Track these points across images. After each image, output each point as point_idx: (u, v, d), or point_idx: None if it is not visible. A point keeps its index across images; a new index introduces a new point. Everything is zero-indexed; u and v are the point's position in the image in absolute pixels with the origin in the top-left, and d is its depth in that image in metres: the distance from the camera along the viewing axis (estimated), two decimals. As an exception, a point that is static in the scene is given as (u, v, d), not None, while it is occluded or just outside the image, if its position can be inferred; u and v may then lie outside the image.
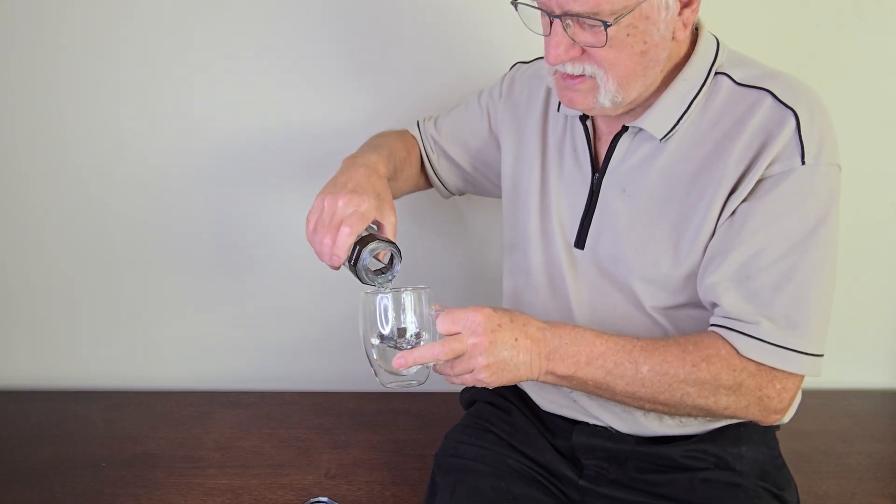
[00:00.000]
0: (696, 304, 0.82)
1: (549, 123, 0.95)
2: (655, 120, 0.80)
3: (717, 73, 0.80)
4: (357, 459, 1.13)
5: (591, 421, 0.90)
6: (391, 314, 0.74)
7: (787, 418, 0.84)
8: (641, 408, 0.78)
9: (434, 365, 0.74)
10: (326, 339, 1.42)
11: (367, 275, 0.78)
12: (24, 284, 1.39)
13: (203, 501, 1.03)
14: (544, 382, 0.77)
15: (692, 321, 0.83)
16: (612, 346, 0.75)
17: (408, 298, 0.74)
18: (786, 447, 0.89)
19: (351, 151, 0.97)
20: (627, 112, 0.82)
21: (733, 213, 0.76)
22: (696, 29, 0.82)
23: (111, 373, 1.43)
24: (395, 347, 0.74)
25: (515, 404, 0.99)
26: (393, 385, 0.77)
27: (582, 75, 0.76)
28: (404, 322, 0.74)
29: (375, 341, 0.75)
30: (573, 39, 0.73)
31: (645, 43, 0.73)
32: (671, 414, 0.79)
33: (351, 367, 1.42)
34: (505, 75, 1.05)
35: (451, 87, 1.29)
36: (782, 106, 0.75)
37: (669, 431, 0.86)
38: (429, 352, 0.71)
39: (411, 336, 0.75)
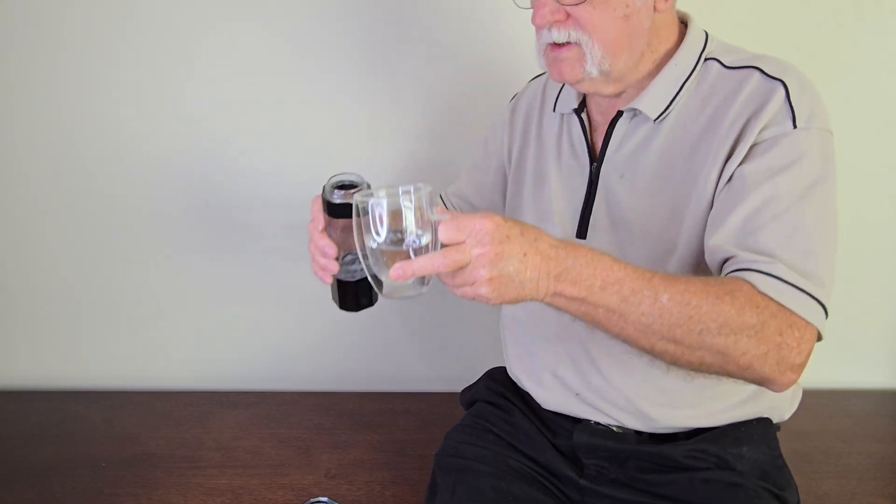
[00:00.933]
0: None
1: (545, 126, 0.97)
2: (650, 101, 0.82)
3: (706, 59, 0.83)
4: (357, 459, 1.13)
5: (594, 418, 0.89)
6: (387, 217, 0.66)
7: (788, 413, 0.85)
8: (651, 349, 0.70)
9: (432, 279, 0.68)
10: (326, 339, 1.42)
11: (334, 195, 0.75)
12: (24, 284, 1.39)
13: (203, 501, 1.03)
14: (549, 305, 0.69)
15: None
16: (631, 273, 0.68)
17: (405, 199, 0.66)
18: (786, 447, 0.89)
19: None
20: (619, 96, 0.85)
21: (730, 178, 0.76)
22: (685, 24, 0.86)
23: (111, 373, 1.43)
24: (393, 253, 0.66)
25: (516, 404, 0.99)
26: (394, 296, 0.70)
27: (568, 43, 0.78)
28: (402, 226, 0.66)
29: (372, 246, 0.67)
30: (558, 2, 0.77)
31: (627, 6, 0.77)
32: (680, 361, 0.71)
33: (351, 367, 1.42)
34: (504, 115, 1.06)
35: (460, 84, 1.29)
36: (771, 79, 0.77)
37: (672, 424, 0.86)
38: (429, 263, 0.64)
39: (411, 241, 0.66)
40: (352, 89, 1.30)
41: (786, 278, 0.70)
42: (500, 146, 1.04)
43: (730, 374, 0.72)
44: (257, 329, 1.42)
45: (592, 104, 0.91)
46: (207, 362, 1.43)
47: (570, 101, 0.92)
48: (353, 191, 0.80)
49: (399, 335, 1.41)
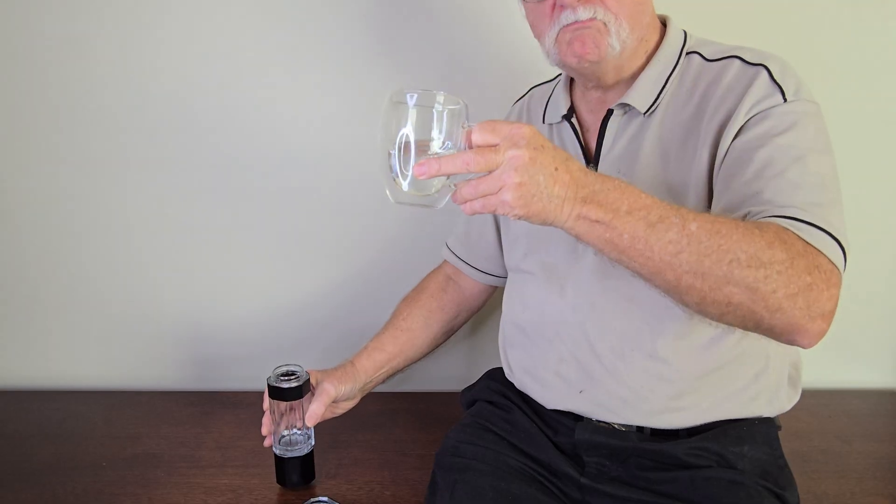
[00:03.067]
0: None
1: None
2: (638, 95, 0.86)
3: (688, 53, 0.87)
4: (357, 459, 1.13)
5: (596, 416, 0.89)
6: (417, 121, 0.64)
7: (788, 404, 0.88)
8: (677, 285, 0.67)
9: (454, 189, 0.65)
10: (326, 339, 1.42)
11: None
12: (24, 284, 1.39)
13: (203, 501, 1.03)
14: (571, 231, 0.67)
15: None
16: (658, 202, 0.67)
17: (438, 107, 0.64)
18: (785, 447, 0.89)
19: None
20: (609, 93, 0.88)
21: (725, 154, 0.77)
22: (664, 24, 0.89)
23: (111, 373, 1.43)
24: (415, 157, 0.65)
25: (516, 403, 0.99)
26: (405, 202, 0.68)
27: (593, 18, 0.80)
28: (431, 132, 0.64)
29: (393, 150, 0.65)
30: None
31: None
32: (707, 300, 0.67)
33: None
34: None
35: (461, 81, 1.29)
36: (751, 65, 0.80)
37: (674, 419, 0.86)
38: (459, 160, 0.62)
39: (440, 146, 0.64)
40: (352, 84, 1.30)
41: (805, 219, 0.69)
42: None
43: (758, 323, 0.68)
44: (257, 329, 1.42)
45: (583, 107, 0.93)
46: (207, 362, 1.43)
47: (559, 110, 0.95)
48: (292, 377, 1.01)
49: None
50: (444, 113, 0.64)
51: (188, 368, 1.43)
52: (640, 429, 0.88)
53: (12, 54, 1.27)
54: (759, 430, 0.87)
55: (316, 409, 1.00)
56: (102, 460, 1.14)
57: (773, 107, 0.76)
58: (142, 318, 1.41)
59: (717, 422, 0.86)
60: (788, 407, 0.91)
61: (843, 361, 1.41)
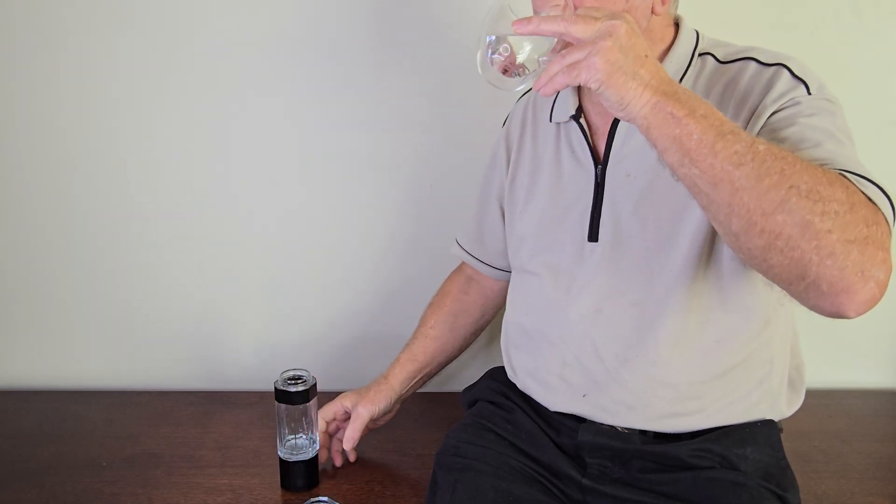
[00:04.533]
0: (715, 273, 0.82)
1: (540, 139, 0.99)
2: None
3: (701, 54, 0.86)
4: (357, 459, 1.13)
5: (599, 418, 0.89)
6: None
7: (790, 408, 0.89)
8: (730, 199, 0.63)
9: (542, 64, 0.68)
10: (326, 339, 1.42)
11: None
12: (24, 284, 1.39)
13: (203, 501, 1.03)
14: (641, 120, 0.66)
15: (712, 290, 0.83)
16: (732, 122, 0.65)
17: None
18: (786, 447, 0.89)
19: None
20: None
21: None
22: (678, 25, 0.88)
23: (111, 373, 1.43)
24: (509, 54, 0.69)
25: (517, 403, 0.99)
26: (494, 80, 0.72)
27: None
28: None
29: (491, 38, 0.70)
30: None
31: (626, 2, 0.79)
32: (756, 227, 0.62)
33: (351, 367, 1.42)
34: (500, 141, 1.08)
35: (462, 75, 1.29)
36: (768, 66, 0.80)
37: (679, 423, 0.85)
38: (559, 20, 0.64)
39: (537, 58, 0.69)
40: (351, 81, 1.30)
41: (860, 172, 0.66)
42: (502, 170, 1.06)
43: (804, 270, 0.62)
44: (257, 329, 1.42)
45: (591, 108, 0.92)
46: (207, 362, 1.43)
47: (567, 109, 0.93)
48: (299, 381, 1.03)
49: (399, 335, 1.41)
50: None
51: (188, 368, 1.43)
52: (643, 431, 0.88)
53: (29, 51, 1.28)
54: (762, 432, 0.87)
55: (352, 434, 1.07)
56: (102, 460, 1.14)
57: (799, 97, 0.76)
58: (142, 318, 1.41)
59: (720, 427, 0.86)
60: (791, 412, 0.91)
61: (843, 361, 1.40)
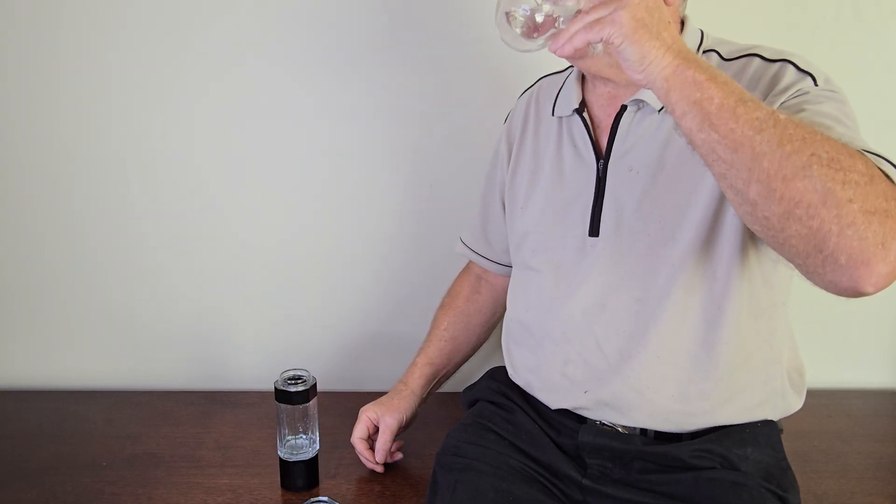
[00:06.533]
0: (716, 269, 0.82)
1: (542, 133, 0.99)
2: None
3: (705, 52, 0.86)
4: (357, 459, 1.13)
5: (601, 418, 0.89)
6: None
7: (794, 405, 0.89)
8: (749, 167, 0.62)
9: (561, 26, 0.69)
10: (326, 340, 1.42)
11: None
12: (24, 284, 1.39)
13: (204, 501, 1.03)
14: (661, 83, 0.65)
15: (712, 286, 0.82)
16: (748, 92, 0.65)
17: None
18: (786, 447, 0.89)
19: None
20: (625, 85, 0.87)
21: None
22: (683, 24, 0.88)
23: (111, 373, 1.43)
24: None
25: (518, 403, 0.99)
26: (510, 41, 0.71)
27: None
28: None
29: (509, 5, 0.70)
30: None
31: None
32: (776, 193, 0.61)
33: (351, 367, 1.42)
34: (501, 137, 1.08)
35: (462, 71, 1.29)
36: (772, 61, 0.80)
37: (682, 421, 0.85)
38: None
39: (557, 16, 0.69)
40: (352, 81, 1.30)
41: (877, 152, 0.66)
42: (504, 166, 1.06)
43: (822, 241, 0.60)
44: (257, 329, 1.42)
45: (594, 101, 0.92)
46: (207, 362, 1.43)
47: (570, 103, 0.93)
48: (299, 381, 1.02)
49: (400, 334, 1.41)
50: None
51: (188, 368, 1.43)
52: (643, 431, 0.88)
53: (30, 56, 1.28)
54: (763, 432, 0.87)
55: (382, 447, 1.07)
56: (102, 460, 1.14)
57: (807, 88, 0.76)
58: (142, 318, 1.41)
59: (721, 426, 0.86)
60: (792, 412, 0.91)
61: (843, 361, 1.40)
